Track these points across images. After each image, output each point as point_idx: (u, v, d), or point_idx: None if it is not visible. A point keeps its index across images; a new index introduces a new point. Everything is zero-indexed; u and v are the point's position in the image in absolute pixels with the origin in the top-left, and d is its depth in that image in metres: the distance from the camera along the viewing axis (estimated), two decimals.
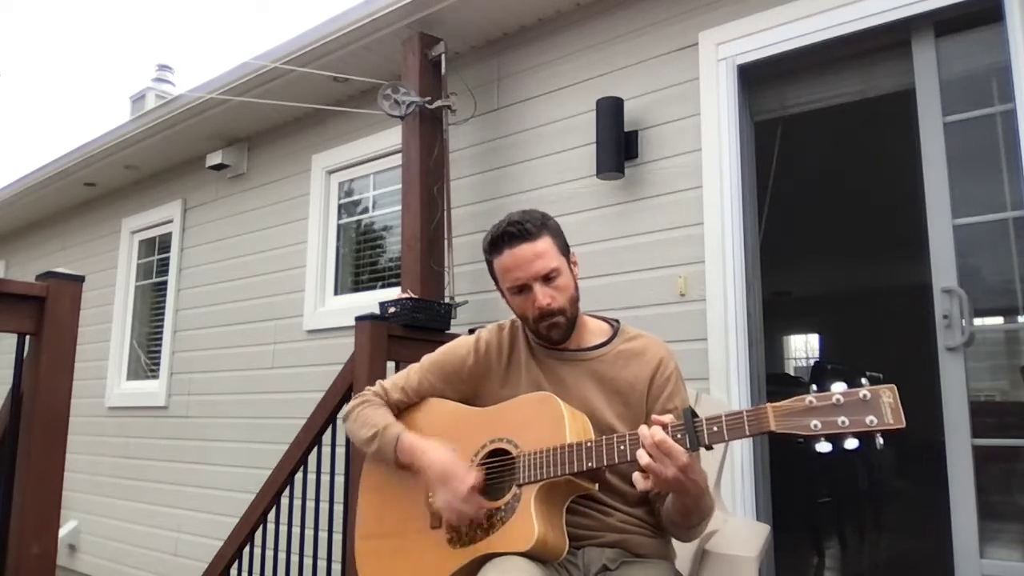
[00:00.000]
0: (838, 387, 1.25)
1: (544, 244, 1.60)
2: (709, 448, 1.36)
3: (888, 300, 8.08)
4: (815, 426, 1.24)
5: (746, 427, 1.30)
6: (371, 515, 1.74)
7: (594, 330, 1.71)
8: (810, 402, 1.25)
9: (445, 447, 1.59)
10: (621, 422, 1.58)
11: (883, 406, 1.20)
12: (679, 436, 1.34)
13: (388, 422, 1.69)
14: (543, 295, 1.58)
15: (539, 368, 1.67)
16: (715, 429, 1.33)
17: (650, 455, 1.33)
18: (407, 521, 1.64)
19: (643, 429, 1.36)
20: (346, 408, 1.82)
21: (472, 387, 1.72)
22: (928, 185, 2.49)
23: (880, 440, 1.22)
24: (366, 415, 1.73)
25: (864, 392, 1.22)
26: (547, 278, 1.59)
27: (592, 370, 1.65)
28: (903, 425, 1.19)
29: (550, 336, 1.63)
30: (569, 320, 1.63)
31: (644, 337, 1.70)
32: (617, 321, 1.74)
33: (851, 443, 1.25)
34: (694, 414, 1.36)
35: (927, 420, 2.42)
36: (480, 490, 1.53)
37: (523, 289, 1.61)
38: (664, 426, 1.36)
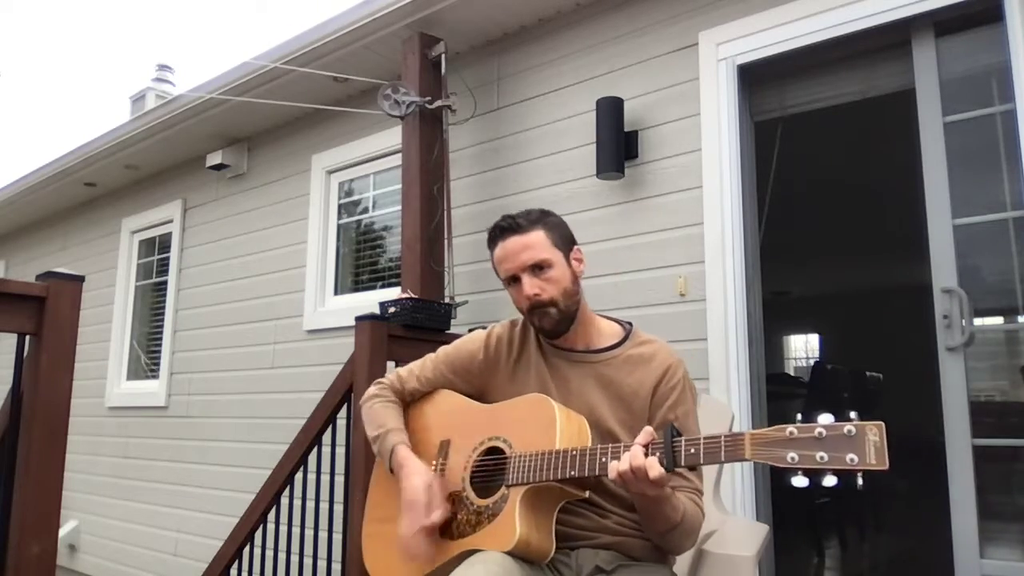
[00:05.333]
0: (824, 419, 1.21)
1: (534, 237, 1.62)
2: (692, 469, 1.36)
3: (888, 300, 8.07)
4: (792, 459, 1.20)
5: (722, 452, 1.29)
6: (378, 501, 1.79)
7: (605, 332, 1.70)
8: (791, 433, 1.22)
9: (426, 474, 1.60)
10: (623, 428, 1.58)
11: (867, 444, 1.15)
12: (657, 454, 1.34)
13: (391, 427, 1.71)
14: (530, 285, 1.60)
15: (547, 367, 1.67)
16: (692, 451, 1.32)
17: (632, 473, 1.33)
18: None
19: (634, 448, 1.35)
20: (364, 396, 1.85)
21: (482, 381, 1.73)
22: (928, 185, 2.49)
23: (860, 480, 1.19)
24: (375, 412, 1.76)
25: (849, 427, 1.17)
26: (536, 268, 1.60)
27: (598, 373, 1.64)
28: (886, 467, 1.14)
29: (542, 326, 1.64)
30: (562, 312, 1.62)
31: (655, 343, 1.69)
32: (631, 324, 1.73)
33: (829, 480, 1.23)
34: (676, 433, 1.35)
35: (927, 420, 2.42)
36: (443, 527, 1.56)
37: (513, 280, 1.63)
38: (644, 445, 1.35)
